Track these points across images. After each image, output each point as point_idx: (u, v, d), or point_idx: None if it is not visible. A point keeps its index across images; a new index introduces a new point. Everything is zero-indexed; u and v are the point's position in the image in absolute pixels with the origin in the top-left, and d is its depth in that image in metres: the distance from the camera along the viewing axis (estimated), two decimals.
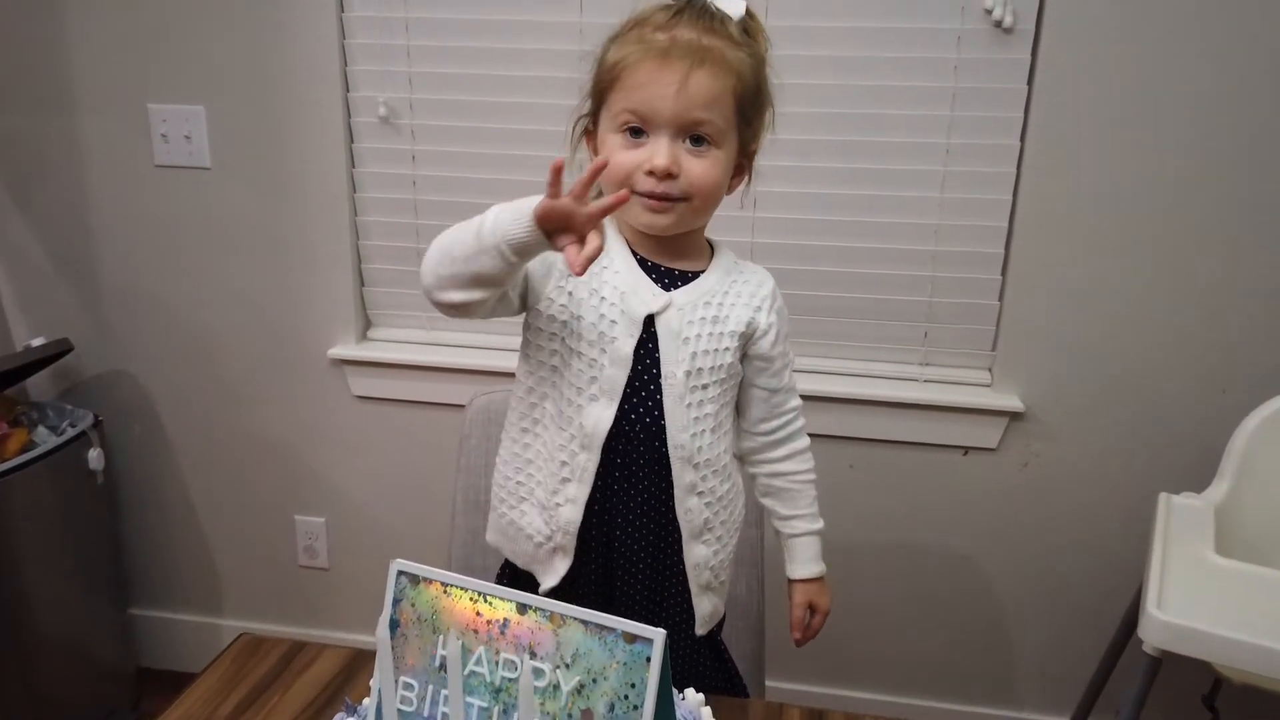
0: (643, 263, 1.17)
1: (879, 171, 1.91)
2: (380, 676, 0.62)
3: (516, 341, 1.22)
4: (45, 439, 2.05)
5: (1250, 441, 1.70)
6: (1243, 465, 1.71)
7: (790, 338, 1.26)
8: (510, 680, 0.63)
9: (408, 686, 0.66)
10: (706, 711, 0.69)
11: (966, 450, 2.05)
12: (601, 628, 0.61)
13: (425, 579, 0.65)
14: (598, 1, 1.91)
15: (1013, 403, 1.98)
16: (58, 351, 2.09)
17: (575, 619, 0.62)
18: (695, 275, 1.19)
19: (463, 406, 1.60)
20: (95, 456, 2.09)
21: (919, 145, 1.88)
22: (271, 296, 2.16)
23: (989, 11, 1.78)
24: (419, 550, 2.23)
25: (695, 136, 1.09)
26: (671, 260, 1.18)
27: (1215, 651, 1.42)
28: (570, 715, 0.62)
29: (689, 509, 1.17)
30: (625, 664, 0.60)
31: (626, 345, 1.13)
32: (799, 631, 1.32)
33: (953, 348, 2.00)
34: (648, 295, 1.16)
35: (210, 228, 2.14)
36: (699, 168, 1.09)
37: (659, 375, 1.14)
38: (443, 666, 0.65)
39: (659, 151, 1.07)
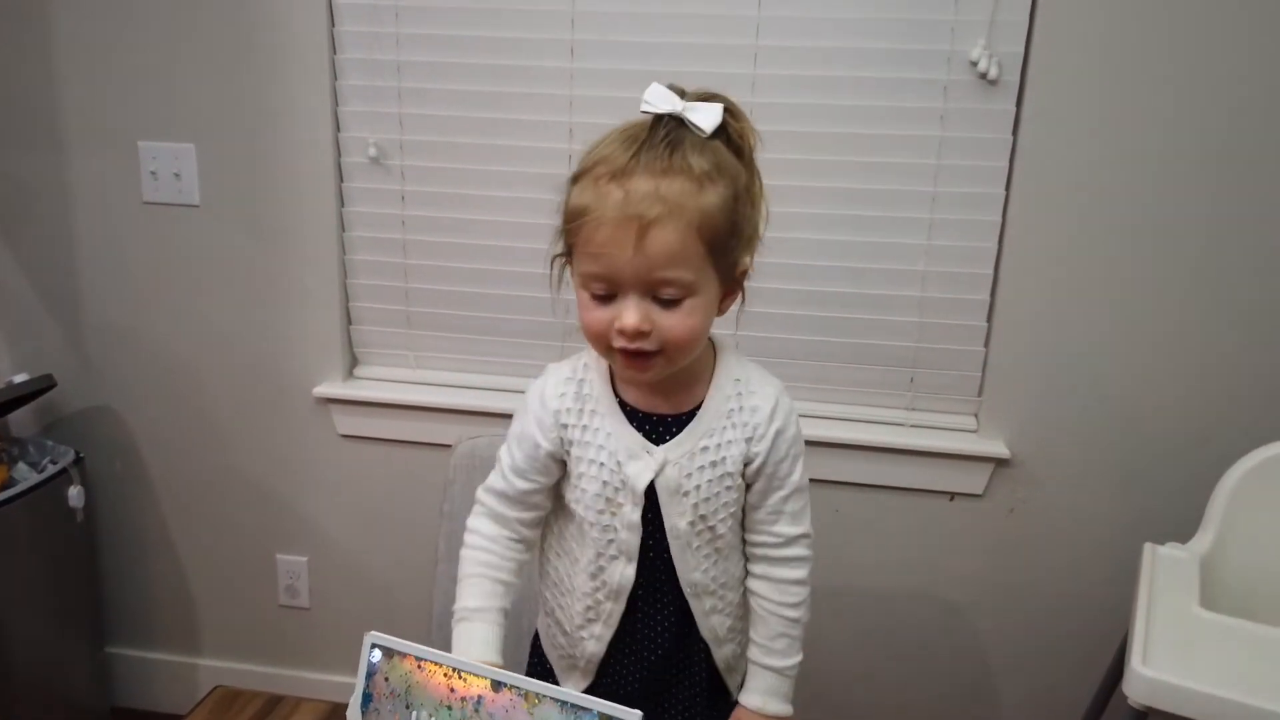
0: (632, 415, 1.14)
1: (866, 217, 1.92)
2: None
3: (504, 382, 1.23)
4: (25, 475, 2.03)
5: (1233, 493, 1.70)
6: (1226, 516, 1.71)
7: (799, 461, 1.18)
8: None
9: None
10: None
11: (953, 496, 2.05)
12: (577, 708, 0.60)
13: (399, 653, 0.64)
14: (587, 46, 1.92)
15: (998, 449, 1.98)
16: (40, 388, 2.07)
17: (551, 698, 0.61)
18: (691, 414, 1.14)
19: (449, 446, 1.59)
20: (75, 494, 2.07)
21: (906, 192, 1.89)
22: (258, 334, 2.15)
23: (974, 64, 1.80)
24: (401, 592, 2.22)
25: (662, 294, 1.02)
26: (664, 404, 1.14)
27: (1201, 709, 1.41)
28: None
29: (711, 626, 1.20)
30: None
31: (634, 514, 1.13)
32: None
33: (939, 393, 2.01)
34: (642, 459, 1.13)
35: (197, 265, 2.13)
36: (671, 321, 1.03)
37: (665, 529, 1.15)
38: None
39: (627, 312, 1.02)
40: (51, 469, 2.04)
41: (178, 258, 2.13)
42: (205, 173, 2.08)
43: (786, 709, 1.18)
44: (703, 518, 1.13)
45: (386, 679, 0.64)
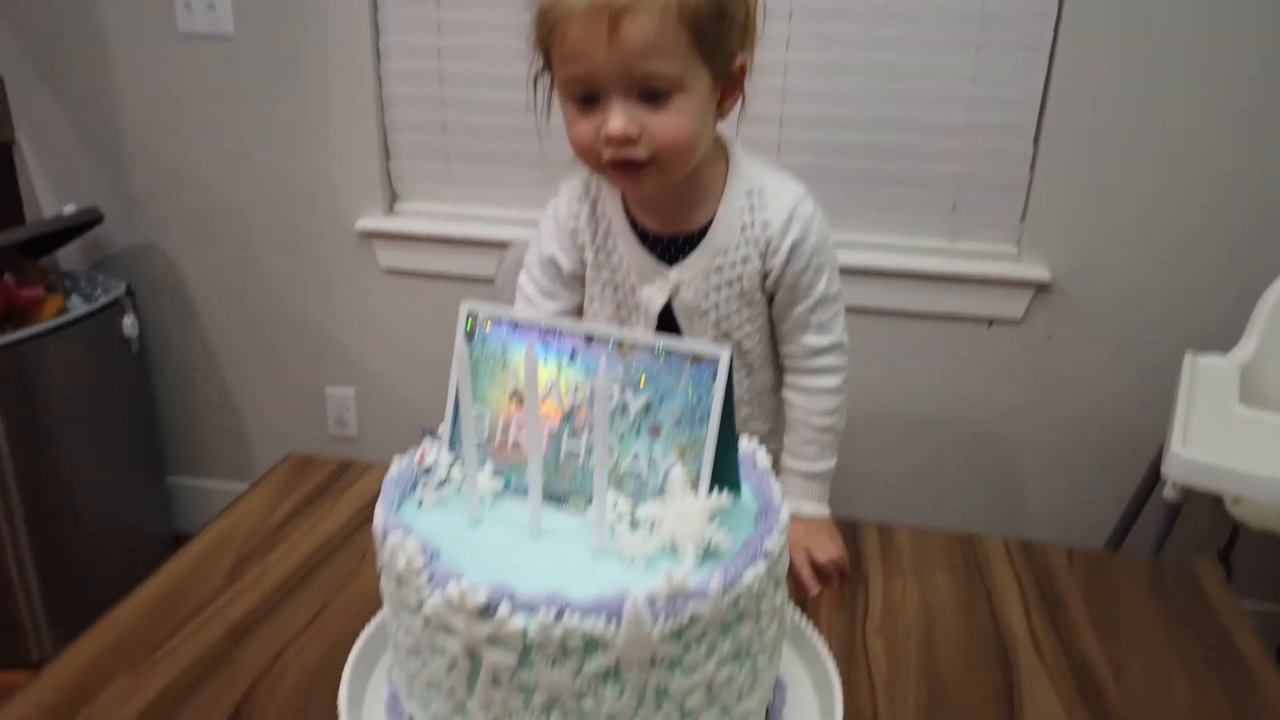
0: (645, 237, 1.11)
1: (910, 38, 1.88)
2: (459, 387, 0.64)
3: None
4: (78, 307, 2.08)
5: (1278, 305, 1.71)
6: (1270, 325, 1.72)
7: (823, 270, 1.11)
8: (578, 406, 0.66)
9: (480, 416, 0.68)
10: (762, 453, 0.71)
11: (991, 322, 2.05)
12: (669, 351, 0.63)
13: (494, 317, 0.67)
14: None
15: (1040, 273, 1.98)
16: (89, 220, 2.10)
17: (642, 344, 0.63)
18: (704, 232, 1.09)
19: (491, 281, 1.61)
20: (130, 323, 2.12)
21: (953, 11, 1.85)
22: (298, 168, 2.16)
23: None
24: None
25: (647, 91, 0.94)
26: (676, 223, 1.10)
27: (1237, 485, 1.45)
28: (638, 431, 0.64)
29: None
30: (691, 381, 0.62)
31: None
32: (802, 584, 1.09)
33: (981, 219, 2.00)
34: (655, 282, 1.10)
35: (234, 98, 2.13)
36: (660, 123, 0.95)
37: None
38: (515, 395, 0.68)
39: (612, 116, 0.94)
40: (104, 299, 2.08)
41: (214, 91, 2.13)
42: (239, 1, 2.06)
43: (821, 510, 1.14)
44: (726, 335, 1.12)
45: (484, 342, 0.67)
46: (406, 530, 0.61)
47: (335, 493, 1.20)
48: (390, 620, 0.65)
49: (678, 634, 0.57)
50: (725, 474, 0.64)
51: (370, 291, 2.24)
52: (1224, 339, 1.75)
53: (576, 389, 0.66)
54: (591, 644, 0.56)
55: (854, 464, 1.17)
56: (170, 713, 0.86)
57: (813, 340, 1.13)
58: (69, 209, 2.09)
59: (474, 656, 0.58)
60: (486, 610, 0.56)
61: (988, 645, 0.98)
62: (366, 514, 1.13)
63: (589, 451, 0.66)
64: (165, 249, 2.29)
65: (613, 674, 0.57)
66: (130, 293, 2.14)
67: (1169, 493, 1.63)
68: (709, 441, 0.62)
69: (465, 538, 0.64)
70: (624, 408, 0.64)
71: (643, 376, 0.63)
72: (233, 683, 0.90)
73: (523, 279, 1.19)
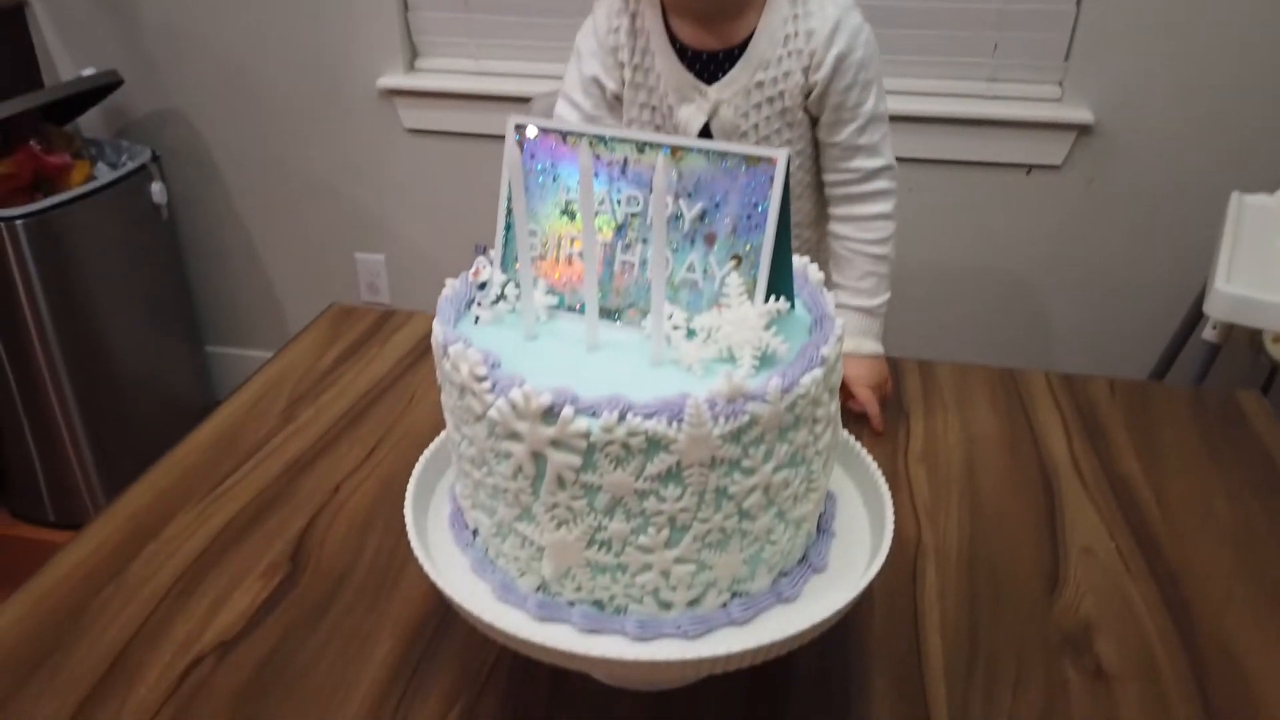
0: (684, 53, 1.08)
1: None
2: (511, 198, 0.63)
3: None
4: (105, 175, 2.07)
5: None
6: None
7: (870, 87, 1.08)
8: (633, 215, 0.65)
9: (531, 234, 0.67)
10: (814, 269, 0.71)
11: (1030, 169, 2.01)
12: (723, 154, 0.61)
13: (542, 129, 0.65)
14: None
15: (1083, 115, 1.92)
16: (108, 83, 2.07)
17: (697, 150, 0.62)
18: (744, 46, 1.06)
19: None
20: (158, 190, 2.11)
21: None
22: (316, 26, 2.10)
23: None
24: None
25: None
26: (716, 38, 1.06)
27: (1278, 320, 1.44)
28: (692, 240, 0.64)
29: None
30: (747, 187, 0.61)
31: None
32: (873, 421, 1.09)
33: (1023, 59, 1.92)
34: (694, 101, 1.07)
35: None
36: None
37: None
38: (567, 210, 0.67)
39: None
40: (130, 165, 2.07)
41: None
42: None
43: (878, 348, 1.12)
44: None
45: (532, 155, 0.66)
46: (467, 341, 0.62)
47: (380, 339, 1.21)
48: (452, 434, 0.66)
49: (737, 435, 0.58)
50: (780, 283, 0.63)
51: (395, 152, 2.21)
52: (1270, 181, 1.70)
53: (628, 201, 0.65)
54: (654, 444, 0.57)
55: (890, 313, 1.15)
56: (235, 542, 0.89)
57: (864, 163, 1.10)
58: (88, 71, 2.05)
59: (539, 460, 0.59)
60: (550, 413, 0.57)
61: (1029, 471, 1.00)
62: (412, 359, 1.15)
63: (644, 263, 0.65)
64: (187, 113, 2.26)
65: (674, 474, 0.58)
66: (156, 159, 2.12)
67: (1209, 333, 1.62)
68: (765, 247, 0.61)
69: (524, 351, 0.65)
70: (678, 217, 0.64)
71: (696, 183, 0.62)
72: (294, 515, 0.92)
73: (562, 107, 1.15)
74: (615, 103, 1.14)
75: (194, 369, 2.41)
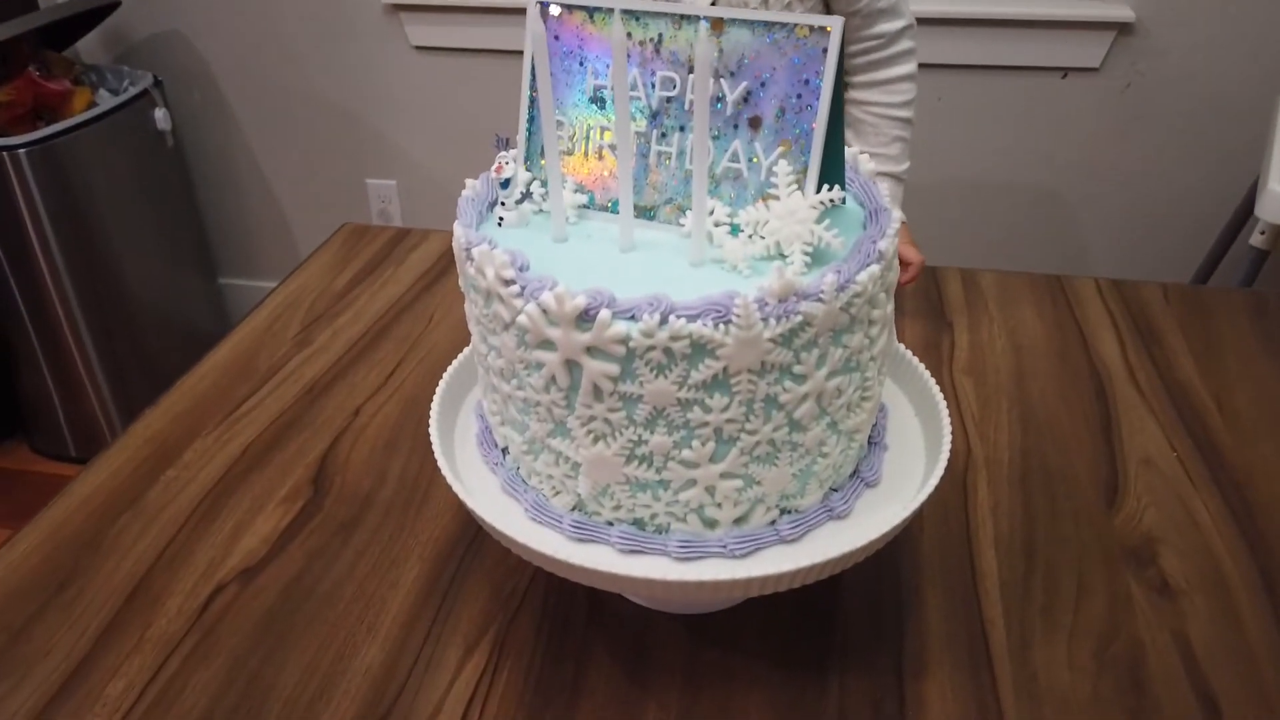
0: None
1: None
2: (535, 82, 0.57)
3: None
4: (107, 101, 2.00)
5: None
6: None
7: None
8: (669, 100, 0.59)
9: (559, 114, 0.62)
10: (864, 158, 0.65)
11: (1066, 72, 1.91)
12: (770, 25, 0.55)
13: (567, 6, 0.60)
14: None
15: (1123, 12, 1.82)
16: (106, 3, 1.99)
17: (740, 21, 0.56)
18: None
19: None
20: (161, 116, 2.05)
21: None
22: None
23: None
24: None
25: None
26: None
27: None
28: (735, 126, 0.58)
29: None
30: (796, 62, 0.55)
31: None
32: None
33: None
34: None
35: None
36: None
37: None
38: (596, 98, 0.61)
39: None
40: (132, 91, 2.00)
41: None
42: None
43: (901, 215, 1.11)
44: None
45: (557, 37, 0.60)
46: (492, 243, 0.57)
47: (395, 260, 1.16)
48: (478, 345, 0.62)
49: (788, 338, 0.53)
50: (832, 171, 0.58)
51: (403, 72, 2.13)
52: None
53: (663, 84, 0.59)
54: (699, 349, 0.52)
55: (924, 225, 1.09)
56: (255, 467, 0.85)
57: (886, 26, 1.05)
58: None
59: (573, 369, 0.54)
60: (585, 317, 0.52)
61: (1081, 378, 0.95)
62: (429, 279, 1.10)
63: (681, 154, 0.60)
64: (188, 36, 2.18)
65: (720, 382, 0.53)
66: (158, 83, 2.05)
67: (1256, 239, 1.56)
68: (818, 130, 0.56)
69: (553, 253, 0.60)
70: (719, 100, 0.58)
71: (739, 61, 0.56)
72: (315, 439, 0.89)
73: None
74: None
75: (208, 301, 2.38)
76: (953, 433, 0.84)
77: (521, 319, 0.54)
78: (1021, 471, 0.83)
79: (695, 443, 0.55)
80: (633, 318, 0.52)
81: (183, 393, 0.95)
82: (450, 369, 0.73)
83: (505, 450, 0.66)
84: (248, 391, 0.95)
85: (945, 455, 0.62)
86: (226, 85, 2.24)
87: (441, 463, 0.63)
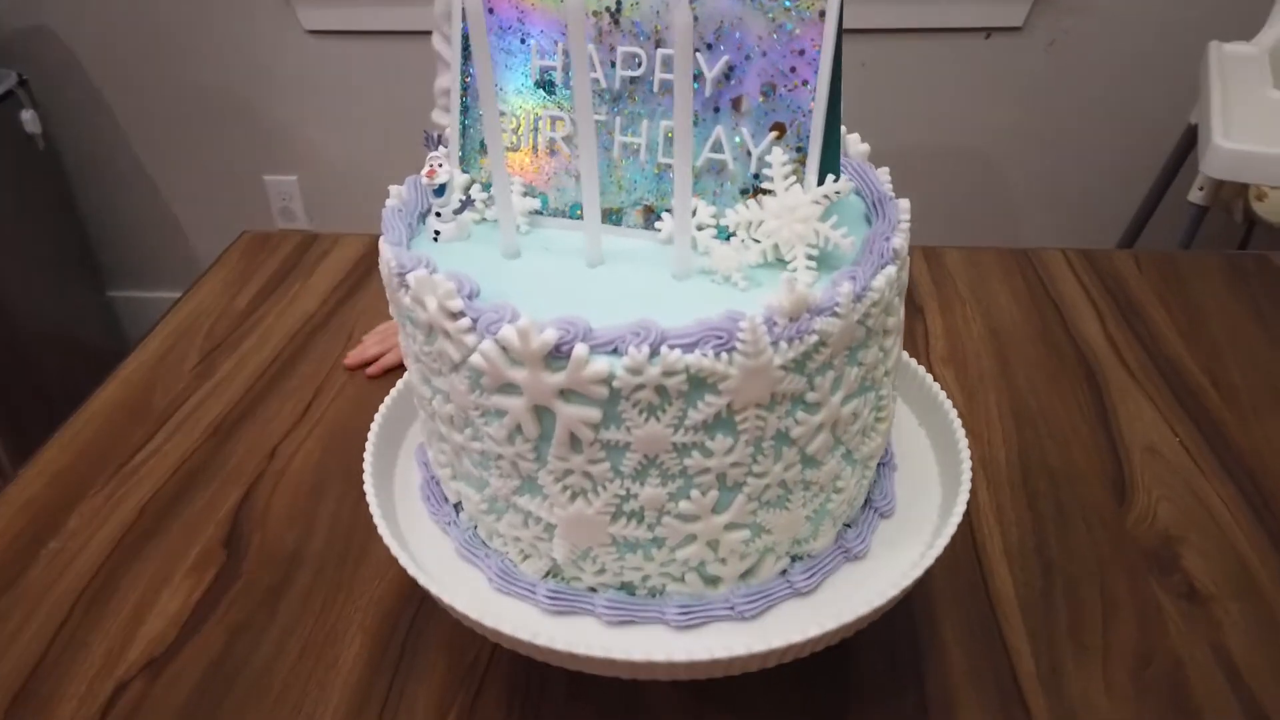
0: None
1: None
2: (475, 64, 0.46)
3: None
4: None
5: None
6: None
7: None
8: (633, 81, 0.49)
9: (499, 102, 0.51)
10: (854, 138, 0.56)
11: (989, 32, 1.86)
12: None
13: None
14: None
15: None
16: None
17: None
18: None
19: (428, 33, 1.36)
20: (30, 118, 1.86)
21: None
22: None
23: None
24: None
25: None
26: None
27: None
28: (716, 108, 0.49)
29: None
30: (788, 29, 0.46)
31: None
32: None
33: None
34: None
35: None
36: None
37: None
38: (543, 82, 0.51)
39: None
40: None
41: None
42: None
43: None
44: None
45: (491, 11, 0.49)
46: (431, 265, 0.46)
47: (304, 270, 1.04)
48: (419, 387, 0.51)
49: (801, 362, 0.44)
50: (831, 157, 0.49)
51: (296, 58, 1.98)
52: (1237, 31, 1.59)
53: (626, 61, 0.49)
54: (697, 384, 0.43)
55: None
56: (158, 527, 0.73)
57: None
58: None
59: (543, 416, 0.45)
60: (557, 354, 0.42)
61: (1067, 362, 0.88)
62: (344, 290, 0.98)
63: (653, 145, 0.50)
64: (54, 30, 1.99)
65: (724, 420, 0.44)
66: (23, 82, 1.86)
67: (1195, 194, 1.53)
68: (817, 109, 0.46)
69: (505, 272, 0.49)
70: (694, 78, 0.48)
71: (718, 30, 0.46)
72: (226, 488, 0.77)
73: (436, 40, 0.96)
74: None
75: (98, 316, 2.19)
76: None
77: (475, 359, 0.44)
78: (1022, 471, 0.76)
79: (694, 492, 0.46)
80: (615, 351, 0.42)
81: (62, 445, 0.82)
82: (385, 405, 0.62)
83: (458, 506, 0.55)
84: (141, 438, 0.82)
85: (967, 481, 0.54)
86: (101, 81, 2.05)
87: (382, 527, 0.53)
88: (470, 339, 0.44)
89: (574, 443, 0.45)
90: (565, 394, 0.43)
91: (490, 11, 0.50)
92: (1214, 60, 1.55)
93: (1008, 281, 1.00)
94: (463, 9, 0.50)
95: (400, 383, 0.63)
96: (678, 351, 0.42)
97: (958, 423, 0.58)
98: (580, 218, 0.51)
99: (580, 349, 0.42)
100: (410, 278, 0.46)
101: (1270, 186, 1.45)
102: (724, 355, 0.42)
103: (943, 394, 0.61)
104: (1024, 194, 2.03)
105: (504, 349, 0.43)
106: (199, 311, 0.98)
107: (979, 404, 0.83)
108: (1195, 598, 0.65)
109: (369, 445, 0.58)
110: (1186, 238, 1.57)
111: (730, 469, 0.46)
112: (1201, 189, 1.52)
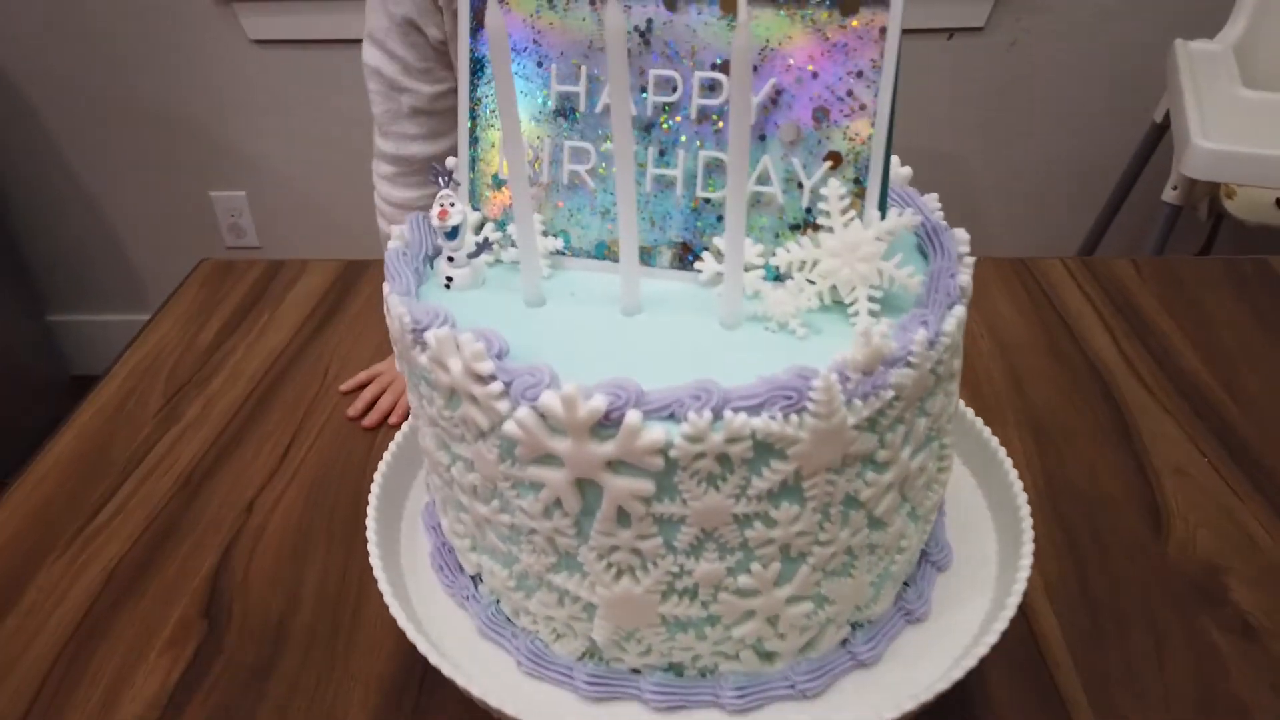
0: None
1: None
2: (497, 86, 0.40)
3: None
4: None
5: None
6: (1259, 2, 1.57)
7: None
8: (666, 106, 0.44)
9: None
10: (894, 160, 0.52)
11: (951, 33, 1.84)
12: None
13: None
14: None
15: None
16: None
17: None
18: None
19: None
20: None
21: None
22: None
23: None
24: (359, 213, 2.01)
25: None
26: None
27: (1264, 174, 1.35)
28: (763, 137, 0.44)
29: None
30: (842, 45, 0.42)
31: None
32: None
33: None
34: None
35: None
36: None
37: None
38: (562, 109, 0.46)
39: None
40: None
41: None
42: None
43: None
44: None
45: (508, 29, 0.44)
46: (450, 321, 0.41)
47: (271, 300, 0.97)
48: (434, 452, 0.46)
49: (874, 419, 0.39)
50: (884, 187, 0.44)
51: (241, 69, 1.89)
52: (1197, 29, 1.58)
53: (658, 86, 0.44)
54: (763, 450, 0.38)
55: None
56: (128, 595, 0.67)
57: None
58: None
59: (587, 489, 0.39)
60: (607, 422, 0.37)
61: (1081, 379, 0.85)
62: (316, 321, 0.92)
63: (690, 177, 0.45)
64: None
65: (791, 488, 0.39)
66: None
67: (1169, 194, 1.52)
68: (878, 135, 0.42)
69: (530, 325, 0.44)
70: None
71: (764, 47, 0.42)
72: (201, 548, 0.70)
73: (372, 55, 0.84)
74: (445, 51, 0.84)
75: (38, 341, 2.08)
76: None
77: (509, 428, 0.39)
78: (1051, 499, 0.72)
79: (755, 565, 0.41)
80: (672, 416, 0.37)
81: (12, 507, 0.74)
82: (385, 462, 0.56)
83: (477, 578, 0.50)
84: (103, 493, 0.75)
85: (1029, 537, 0.50)
86: (32, 93, 1.94)
87: (394, 607, 0.47)
88: (502, 405, 0.39)
89: (622, 517, 0.40)
90: (615, 465, 0.38)
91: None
92: (1182, 59, 1.54)
93: (1008, 291, 0.96)
94: (470, 26, 0.45)
95: (400, 436, 0.57)
96: (743, 415, 0.37)
97: (1008, 463, 0.55)
98: (606, 257, 0.46)
99: (633, 416, 0.37)
100: (430, 336, 0.40)
101: (1253, 186, 1.45)
102: (794, 417, 0.37)
103: (979, 421, 0.57)
104: (988, 194, 2.02)
105: (542, 417, 0.38)
106: (159, 349, 0.91)
107: (996, 424, 0.78)
108: (1249, 633, 0.62)
109: (371, 511, 0.53)
110: (1160, 238, 1.56)
111: (795, 539, 0.41)
112: (1175, 188, 1.51)
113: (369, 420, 0.81)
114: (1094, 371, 0.86)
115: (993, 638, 0.45)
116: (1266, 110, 1.44)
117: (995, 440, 0.56)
